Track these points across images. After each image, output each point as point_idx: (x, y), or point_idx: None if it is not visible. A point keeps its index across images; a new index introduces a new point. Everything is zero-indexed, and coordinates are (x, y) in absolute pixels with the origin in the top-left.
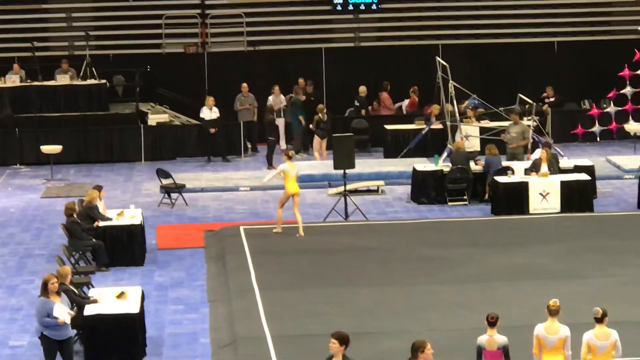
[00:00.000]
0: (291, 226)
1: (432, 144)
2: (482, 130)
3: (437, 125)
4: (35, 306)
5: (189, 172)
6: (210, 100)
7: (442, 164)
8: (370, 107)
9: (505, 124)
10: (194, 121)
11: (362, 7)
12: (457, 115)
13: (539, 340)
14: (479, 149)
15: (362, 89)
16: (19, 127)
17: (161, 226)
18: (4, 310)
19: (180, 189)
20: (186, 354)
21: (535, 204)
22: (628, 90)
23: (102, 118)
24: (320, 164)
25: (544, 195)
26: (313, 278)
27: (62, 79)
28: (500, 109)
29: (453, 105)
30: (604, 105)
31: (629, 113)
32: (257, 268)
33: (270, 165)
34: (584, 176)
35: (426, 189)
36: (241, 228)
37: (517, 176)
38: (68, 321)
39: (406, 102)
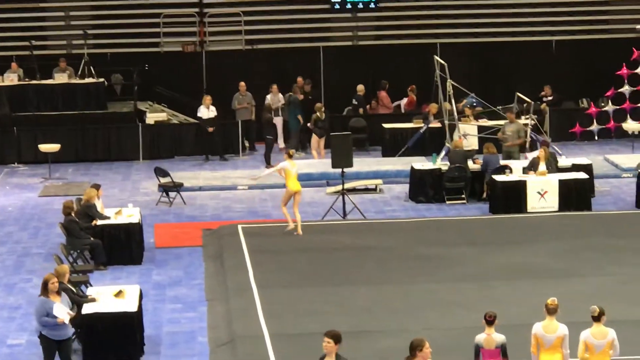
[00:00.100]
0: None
1: (430, 143)
2: (480, 129)
3: (435, 124)
4: (34, 305)
5: (187, 171)
6: (208, 99)
7: (440, 163)
8: (368, 106)
9: (503, 122)
10: (192, 120)
11: (360, 5)
12: (455, 114)
13: (537, 339)
14: (477, 147)
15: (360, 88)
16: (16, 125)
17: (159, 225)
18: (2, 308)
19: (178, 187)
20: (184, 353)
21: (533, 203)
22: (626, 89)
23: (100, 117)
24: (319, 162)
25: (542, 194)
26: (311, 277)
27: (60, 78)
28: (498, 107)
29: (451, 104)
30: (602, 104)
31: (627, 112)
32: (255, 266)
33: (268, 164)
34: (582, 175)
35: (424, 187)
36: (239, 227)
37: (515, 175)
38: (67, 321)
39: (404, 100)
